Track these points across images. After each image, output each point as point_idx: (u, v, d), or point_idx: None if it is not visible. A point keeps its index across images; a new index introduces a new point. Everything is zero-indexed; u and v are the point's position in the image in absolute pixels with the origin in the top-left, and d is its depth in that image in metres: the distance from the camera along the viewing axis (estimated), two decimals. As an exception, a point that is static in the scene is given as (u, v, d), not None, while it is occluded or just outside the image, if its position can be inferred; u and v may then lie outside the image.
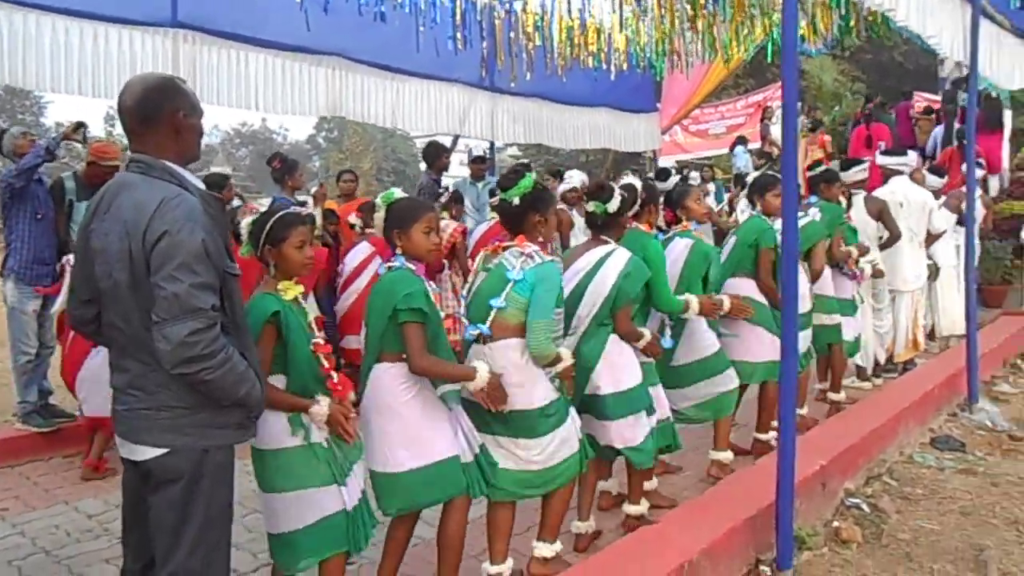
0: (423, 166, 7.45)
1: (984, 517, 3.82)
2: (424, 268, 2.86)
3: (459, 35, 6.66)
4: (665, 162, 12.68)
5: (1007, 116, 9.93)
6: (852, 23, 6.22)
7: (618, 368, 3.39)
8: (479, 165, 7.56)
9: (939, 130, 10.22)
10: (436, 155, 7.32)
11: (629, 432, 3.37)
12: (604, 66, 7.73)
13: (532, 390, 2.92)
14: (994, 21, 5.77)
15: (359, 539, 2.61)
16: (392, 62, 6.94)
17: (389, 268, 2.80)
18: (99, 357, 4.18)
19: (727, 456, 4.25)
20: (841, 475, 3.97)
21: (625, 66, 7.75)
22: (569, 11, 7.35)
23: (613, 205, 3.41)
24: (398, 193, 2.92)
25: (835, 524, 3.70)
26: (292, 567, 2.57)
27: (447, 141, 8.33)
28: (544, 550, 3.12)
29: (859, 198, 5.96)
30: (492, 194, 6.40)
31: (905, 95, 12.46)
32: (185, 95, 2.11)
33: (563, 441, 3.00)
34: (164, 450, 2.04)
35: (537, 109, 8.50)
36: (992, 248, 8.62)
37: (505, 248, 3.03)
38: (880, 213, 5.89)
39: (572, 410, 3.13)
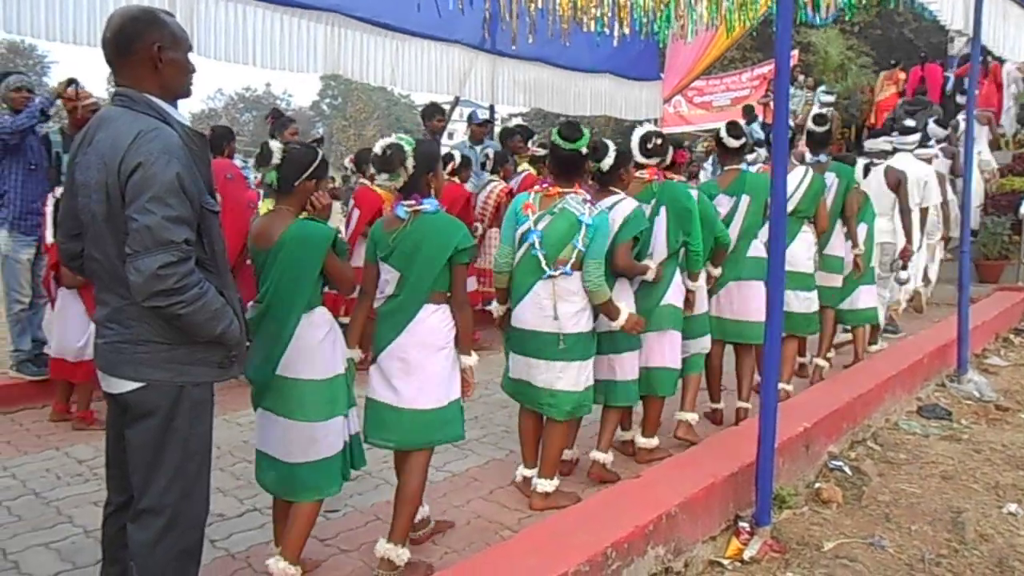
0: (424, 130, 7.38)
1: (965, 482, 3.85)
2: None
3: (461, -6, 6.55)
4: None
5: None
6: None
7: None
8: (482, 128, 7.47)
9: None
10: (430, 115, 7.25)
11: (629, 364, 3.73)
12: (607, 31, 7.61)
13: (589, 315, 3.41)
14: (999, -10, 5.68)
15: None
16: (392, 21, 6.87)
17: (416, 212, 2.81)
18: (61, 300, 4.47)
19: (693, 417, 4.20)
20: (825, 438, 4.00)
21: (628, 31, 7.64)
22: (572, -27, 7.22)
23: (606, 163, 3.67)
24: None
25: (817, 485, 3.74)
26: (326, 491, 2.70)
27: (446, 104, 8.25)
28: (546, 486, 3.41)
29: (879, 168, 6.11)
30: (497, 159, 6.47)
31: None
32: (164, 26, 2.07)
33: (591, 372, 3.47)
34: (140, 384, 2.04)
35: (538, 73, 8.44)
36: (990, 223, 8.60)
37: (562, 194, 3.38)
38: (898, 185, 6.07)
39: None
